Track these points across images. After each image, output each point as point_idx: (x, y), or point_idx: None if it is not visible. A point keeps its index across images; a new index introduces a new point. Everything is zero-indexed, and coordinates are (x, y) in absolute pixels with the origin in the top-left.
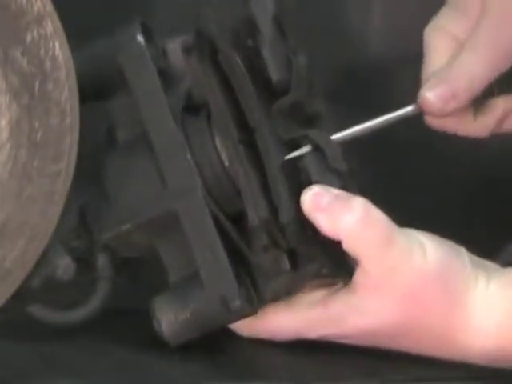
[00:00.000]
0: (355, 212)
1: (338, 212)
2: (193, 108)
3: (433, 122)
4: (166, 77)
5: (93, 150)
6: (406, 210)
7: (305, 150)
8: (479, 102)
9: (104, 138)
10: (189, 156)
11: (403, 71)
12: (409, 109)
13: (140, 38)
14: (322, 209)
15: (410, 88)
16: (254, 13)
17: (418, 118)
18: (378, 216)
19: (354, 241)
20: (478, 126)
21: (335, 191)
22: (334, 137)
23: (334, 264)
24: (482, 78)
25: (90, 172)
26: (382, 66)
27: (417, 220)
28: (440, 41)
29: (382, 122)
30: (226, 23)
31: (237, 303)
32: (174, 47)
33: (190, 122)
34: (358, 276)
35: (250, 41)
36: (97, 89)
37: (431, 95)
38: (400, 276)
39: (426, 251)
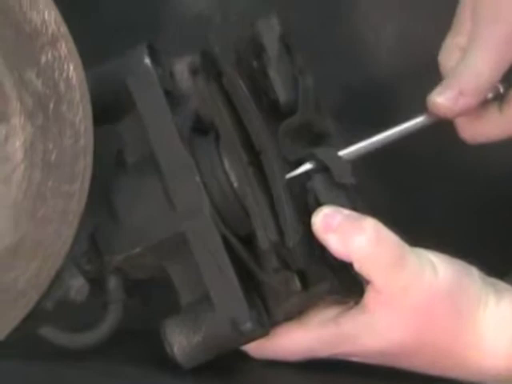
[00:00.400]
0: (366, 232)
1: (348, 233)
2: (201, 129)
3: (465, 132)
4: (174, 98)
5: (103, 172)
6: (415, 228)
7: (308, 166)
8: (500, 96)
9: (114, 161)
10: (197, 177)
11: (413, 89)
12: (419, 119)
13: (147, 60)
14: (333, 230)
15: (420, 107)
16: (261, 33)
17: (428, 133)
18: (388, 236)
19: (365, 261)
20: (506, 121)
21: (346, 211)
22: (342, 153)
23: (345, 283)
24: (488, 72)
25: (100, 194)
26: (392, 85)
27: (427, 238)
28: (453, 58)
29: (392, 134)
30: (231, 44)
31: (247, 326)
32: (181, 68)
33: (199, 143)
34: (369, 295)
35: (256, 61)
36: (106, 111)
37: (439, 96)
38: (411, 295)
39: (437, 270)
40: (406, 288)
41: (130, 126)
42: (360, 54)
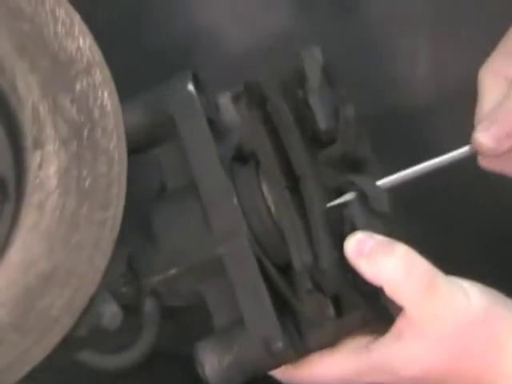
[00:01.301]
0: (397, 258)
1: (380, 258)
2: (242, 158)
3: (485, 163)
4: (217, 128)
5: (144, 197)
6: (449, 258)
7: (348, 197)
8: None
9: (156, 186)
10: (235, 200)
11: (447, 118)
12: (462, 150)
13: (191, 87)
14: (365, 255)
15: (457, 133)
16: (303, 62)
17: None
18: (420, 262)
19: (397, 287)
20: None
21: (378, 237)
22: (380, 182)
23: (377, 311)
24: None
25: (139, 218)
26: (425, 113)
27: (459, 268)
28: (494, 83)
29: (430, 165)
30: (276, 73)
31: (279, 345)
32: (226, 101)
33: (239, 171)
34: (401, 322)
35: (300, 91)
36: (149, 137)
37: (484, 136)
38: (443, 323)
39: (470, 298)
40: (438, 315)
41: (172, 151)
42: (393, 83)
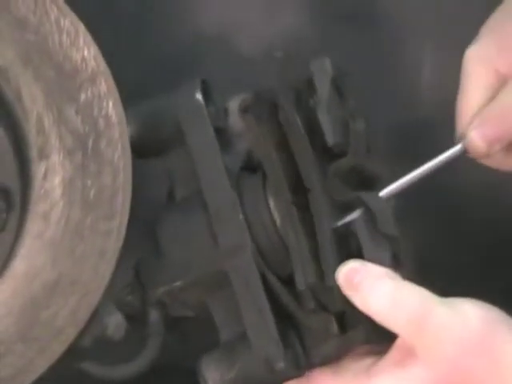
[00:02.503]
0: (384, 293)
1: (367, 292)
2: (251, 167)
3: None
4: (226, 136)
5: (149, 206)
6: (456, 270)
7: (355, 215)
8: None
9: (164, 195)
10: (241, 216)
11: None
12: (453, 150)
13: (198, 96)
14: (353, 287)
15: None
16: (313, 74)
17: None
18: (408, 296)
19: (386, 320)
20: None
21: (369, 268)
22: (382, 193)
23: (379, 330)
24: None
25: (146, 228)
26: (436, 123)
27: (465, 282)
28: (482, 74)
29: (429, 168)
30: (289, 81)
31: (281, 365)
32: (236, 105)
33: (246, 181)
34: (399, 348)
35: (312, 101)
36: (157, 145)
37: (477, 136)
38: (441, 348)
39: (469, 321)
40: (435, 341)
41: (181, 160)
42: (400, 92)
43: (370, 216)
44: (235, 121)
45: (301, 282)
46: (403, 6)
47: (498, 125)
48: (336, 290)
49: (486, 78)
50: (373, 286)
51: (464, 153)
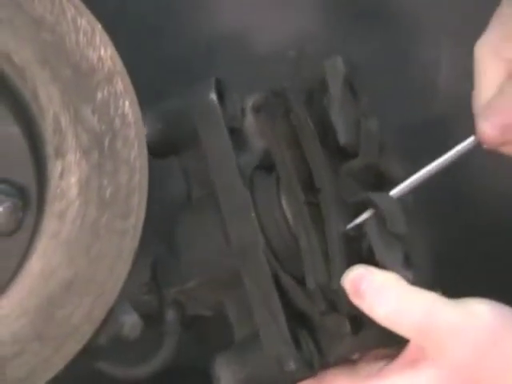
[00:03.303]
0: (389, 303)
1: (373, 301)
2: (265, 167)
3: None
4: (241, 135)
5: (169, 206)
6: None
7: (366, 216)
8: None
9: (181, 195)
10: (253, 214)
11: (470, 127)
12: (467, 143)
13: (213, 96)
14: (359, 295)
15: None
16: (326, 74)
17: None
18: (414, 301)
19: (393, 325)
20: None
21: (374, 275)
22: (393, 192)
23: (391, 332)
24: None
25: (163, 227)
26: (449, 122)
27: (481, 279)
28: (494, 65)
29: (442, 163)
30: (302, 81)
31: (291, 366)
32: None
33: (260, 181)
34: (411, 350)
35: (325, 100)
36: (174, 145)
37: (488, 127)
38: (452, 350)
39: (480, 320)
40: (446, 342)
41: (197, 160)
42: (417, 90)
43: (381, 216)
44: (250, 120)
45: (311, 282)
46: (418, 2)
47: (508, 111)
48: (342, 294)
49: (495, 69)
50: (378, 294)
51: (478, 145)
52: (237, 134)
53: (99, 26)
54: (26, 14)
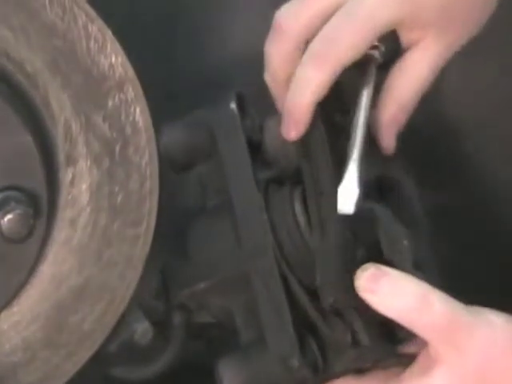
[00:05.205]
0: (408, 301)
1: (390, 299)
2: (279, 179)
3: None
4: (259, 150)
5: (184, 215)
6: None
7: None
8: None
9: (197, 204)
10: (265, 217)
11: (476, 131)
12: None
13: (233, 105)
14: (375, 294)
15: (492, 150)
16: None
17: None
18: (434, 303)
19: (412, 325)
20: None
21: (389, 274)
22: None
23: (389, 349)
24: None
25: (177, 234)
26: (456, 126)
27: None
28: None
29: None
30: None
31: (295, 362)
32: (272, 124)
33: (273, 189)
34: (425, 356)
35: (339, 114)
36: (192, 154)
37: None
38: (467, 355)
39: (495, 329)
40: (461, 349)
41: (214, 170)
42: (425, 97)
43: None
44: (270, 139)
45: (319, 279)
46: None
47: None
48: (351, 293)
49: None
50: (396, 291)
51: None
52: (254, 147)
53: (110, 33)
54: (37, 21)
